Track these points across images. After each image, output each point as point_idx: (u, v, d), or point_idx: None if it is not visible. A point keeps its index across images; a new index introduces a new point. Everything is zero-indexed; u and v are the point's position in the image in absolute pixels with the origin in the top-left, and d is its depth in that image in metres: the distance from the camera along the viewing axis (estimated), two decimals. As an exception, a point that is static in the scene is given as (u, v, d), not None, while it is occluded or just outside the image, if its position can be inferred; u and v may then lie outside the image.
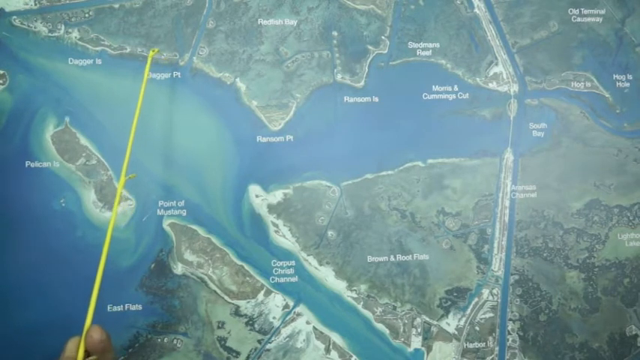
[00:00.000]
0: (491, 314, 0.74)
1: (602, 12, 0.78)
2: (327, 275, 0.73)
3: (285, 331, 0.71)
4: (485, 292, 0.74)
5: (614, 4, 0.79)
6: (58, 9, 0.71)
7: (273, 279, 0.71)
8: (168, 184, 0.71)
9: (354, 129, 0.74)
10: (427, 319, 0.73)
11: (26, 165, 0.68)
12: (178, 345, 0.70)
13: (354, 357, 0.72)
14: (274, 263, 0.72)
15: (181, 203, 0.71)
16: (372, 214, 0.74)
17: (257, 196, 0.72)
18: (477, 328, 0.74)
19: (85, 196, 0.69)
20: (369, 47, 0.75)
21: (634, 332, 0.75)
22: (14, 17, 0.70)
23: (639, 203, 0.77)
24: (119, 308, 0.69)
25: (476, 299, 0.74)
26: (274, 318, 0.71)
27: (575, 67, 0.78)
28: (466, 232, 0.75)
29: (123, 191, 0.70)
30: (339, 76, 0.74)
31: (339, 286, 0.73)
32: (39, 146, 0.69)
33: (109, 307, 0.68)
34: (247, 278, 0.71)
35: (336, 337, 0.72)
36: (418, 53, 0.76)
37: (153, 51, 0.69)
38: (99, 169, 0.70)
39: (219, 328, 0.70)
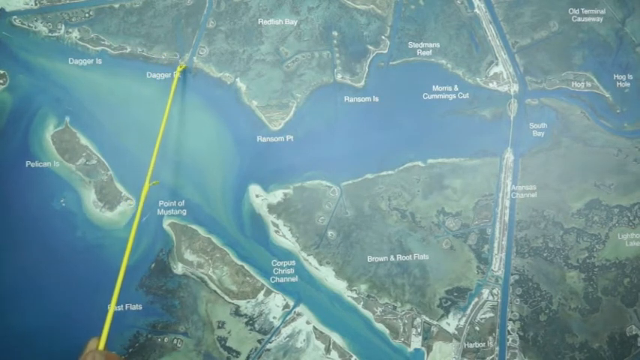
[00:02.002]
0: (492, 314, 0.74)
1: (603, 12, 0.78)
2: (327, 275, 0.73)
3: (286, 331, 0.71)
4: (486, 292, 0.74)
5: (615, 4, 0.79)
6: (58, 9, 0.71)
7: (273, 279, 0.71)
8: (168, 183, 0.71)
9: (354, 129, 0.74)
10: (427, 319, 0.73)
11: (26, 165, 0.68)
12: (178, 345, 0.70)
13: (354, 357, 0.72)
14: (274, 263, 0.72)
15: (181, 203, 0.71)
16: (372, 214, 0.74)
17: (257, 196, 0.72)
18: (477, 328, 0.74)
19: (86, 195, 0.70)
20: (369, 47, 0.75)
21: (634, 332, 0.75)
22: (14, 17, 0.70)
23: (639, 203, 0.77)
24: (119, 308, 0.69)
25: (476, 299, 0.74)
26: (274, 318, 0.71)
27: (575, 67, 0.78)
28: (466, 232, 0.75)
29: (123, 191, 0.70)
30: (339, 76, 0.74)
31: (339, 286, 0.73)
32: (39, 146, 0.69)
33: (109, 307, 0.68)
34: (247, 278, 0.71)
35: (336, 337, 0.72)
36: (418, 53, 0.76)
37: (180, 67, 0.70)
38: (99, 168, 0.70)
39: (219, 327, 0.71)
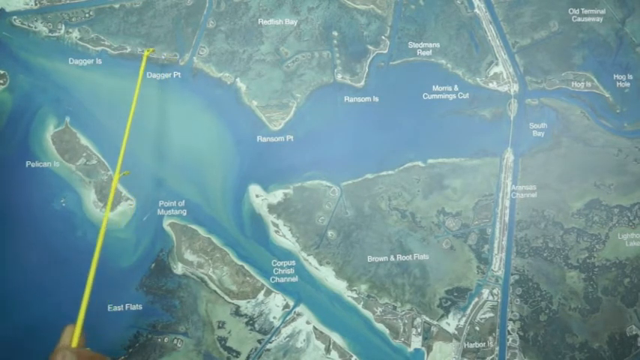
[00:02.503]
0: (492, 314, 0.74)
1: (603, 12, 0.78)
2: (327, 275, 0.73)
3: (286, 331, 0.72)
4: (486, 292, 0.74)
5: (615, 4, 0.79)
6: (58, 9, 0.71)
7: (273, 279, 0.71)
8: (168, 183, 0.71)
9: (354, 129, 0.74)
10: (427, 319, 0.73)
11: (26, 165, 0.68)
12: (178, 345, 0.70)
13: (354, 357, 0.72)
14: (274, 263, 0.72)
15: (181, 203, 0.71)
16: (372, 214, 0.74)
17: (257, 196, 0.72)
18: (477, 328, 0.74)
19: (86, 196, 0.70)
20: (369, 47, 0.75)
21: (634, 332, 0.75)
22: (14, 17, 0.70)
23: (639, 203, 0.77)
24: (119, 308, 0.69)
25: (476, 299, 0.74)
26: (274, 318, 0.71)
27: (575, 67, 0.78)
28: (466, 232, 0.75)
29: (123, 191, 0.70)
30: (339, 76, 0.74)
31: (339, 286, 0.73)
32: (39, 146, 0.69)
33: (109, 307, 0.68)
34: (247, 278, 0.71)
35: (336, 337, 0.72)
36: (418, 53, 0.76)
37: (148, 50, 0.70)
38: (99, 169, 0.70)
39: (219, 328, 0.71)
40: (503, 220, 0.75)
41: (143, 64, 0.68)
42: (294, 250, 0.72)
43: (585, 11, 0.78)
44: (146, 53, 0.69)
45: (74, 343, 0.49)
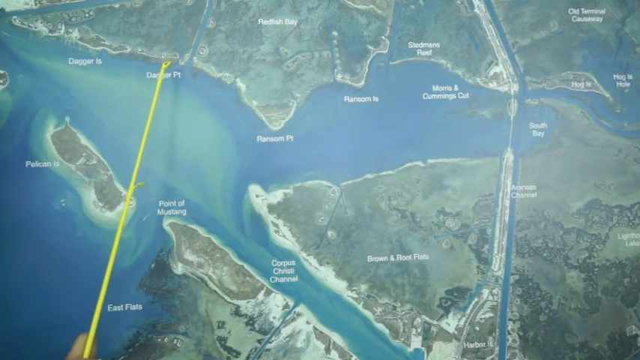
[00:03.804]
0: (491, 314, 0.74)
1: (603, 12, 0.78)
2: (327, 275, 0.73)
3: (285, 331, 0.72)
4: (485, 292, 0.74)
5: (614, 4, 0.79)
6: (58, 9, 0.71)
7: (273, 279, 0.72)
8: (168, 183, 0.71)
9: (354, 129, 0.74)
10: (427, 319, 0.73)
11: (26, 165, 0.68)
12: (178, 345, 0.70)
13: (354, 357, 0.72)
14: (274, 263, 0.72)
15: (181, 203, 0.71)
16: (372, 214, 0.74)
17: (257, 196, 0.72)
18: (477, 328, 0.74)
19: (86, 196, 0.70)
20: (369, 47, 0.75)
21: (634, 332, 0.75)
22: (14, 17, 0.70)
23: (639, 203, 0.77)
24: (119, 308, 0.69)
25: (476, 299, 0.74)
26: (274, 318, 0.71)
27: (575, 67, 0.78)
28: (466, 232, 0.75)
29: (123, 191, 0.70)
30: (339, 76, 0.74)
31: (339, 286, 0.73)
32: (39, 146, 0.69)
33: (109, 307, 0.68)
34: (247, 278, 0.71)
35: (336, 337, 0.72)
36: (418, 53, 0.76)
37: (165, 64, 0.70)
38: (99, 168, 0.70)
39: (219, 327, 0.71)
40: (503, 220, 0.75)
41: (160, 77, 0.67)
42: (294, 250, 0.72)
43: (585, 11, 0.78)
44: (163, 66, 0.69)
45: (86, 354, 0.48)
